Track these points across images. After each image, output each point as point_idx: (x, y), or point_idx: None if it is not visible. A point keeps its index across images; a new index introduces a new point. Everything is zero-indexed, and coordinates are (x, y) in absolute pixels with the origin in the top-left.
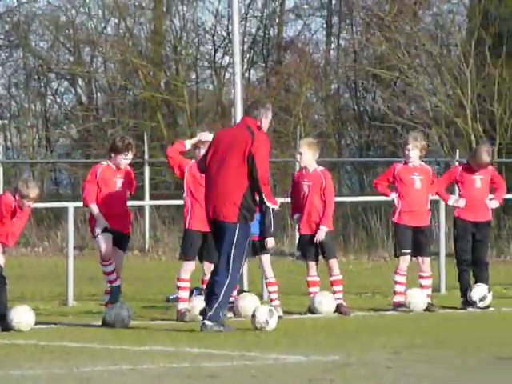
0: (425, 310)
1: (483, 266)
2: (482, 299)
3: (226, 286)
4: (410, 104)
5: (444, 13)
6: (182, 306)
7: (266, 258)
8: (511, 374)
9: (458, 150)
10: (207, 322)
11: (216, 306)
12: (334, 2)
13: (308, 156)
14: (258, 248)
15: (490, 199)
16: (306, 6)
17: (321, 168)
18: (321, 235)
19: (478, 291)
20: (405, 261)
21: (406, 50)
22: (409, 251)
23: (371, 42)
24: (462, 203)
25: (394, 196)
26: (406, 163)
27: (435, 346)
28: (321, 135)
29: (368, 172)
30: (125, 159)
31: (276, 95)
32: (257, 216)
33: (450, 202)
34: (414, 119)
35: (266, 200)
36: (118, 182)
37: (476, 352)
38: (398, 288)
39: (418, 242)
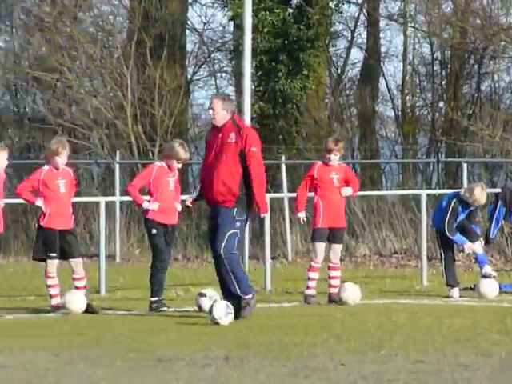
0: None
1: None
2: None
3: None
4: (71, 106)
5: (105, 14)
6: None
7: None
8: (165, 375)
9: (118, 152)
10: None
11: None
12: None
13: None
14: None
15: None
16: None
17: None
18: None
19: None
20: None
21: (66, 52)
22: (55, 254)
23: (32, 43)
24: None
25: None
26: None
27: (95, 346)
28: None
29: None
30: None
31: None
32: None
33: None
34: (75, 121)
35: None
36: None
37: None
38: (53, 291)
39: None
